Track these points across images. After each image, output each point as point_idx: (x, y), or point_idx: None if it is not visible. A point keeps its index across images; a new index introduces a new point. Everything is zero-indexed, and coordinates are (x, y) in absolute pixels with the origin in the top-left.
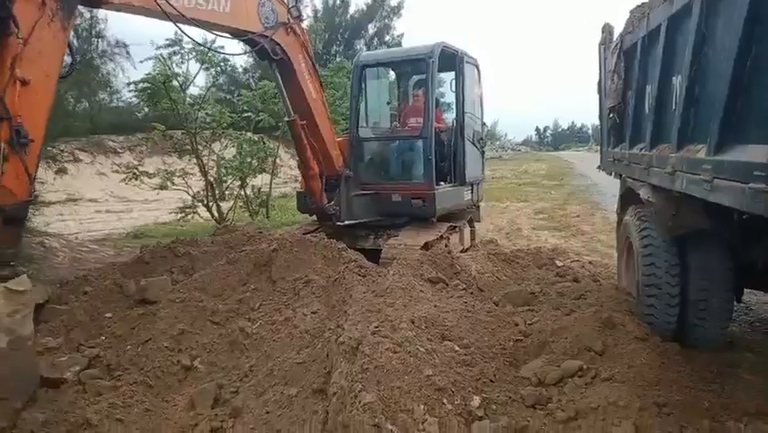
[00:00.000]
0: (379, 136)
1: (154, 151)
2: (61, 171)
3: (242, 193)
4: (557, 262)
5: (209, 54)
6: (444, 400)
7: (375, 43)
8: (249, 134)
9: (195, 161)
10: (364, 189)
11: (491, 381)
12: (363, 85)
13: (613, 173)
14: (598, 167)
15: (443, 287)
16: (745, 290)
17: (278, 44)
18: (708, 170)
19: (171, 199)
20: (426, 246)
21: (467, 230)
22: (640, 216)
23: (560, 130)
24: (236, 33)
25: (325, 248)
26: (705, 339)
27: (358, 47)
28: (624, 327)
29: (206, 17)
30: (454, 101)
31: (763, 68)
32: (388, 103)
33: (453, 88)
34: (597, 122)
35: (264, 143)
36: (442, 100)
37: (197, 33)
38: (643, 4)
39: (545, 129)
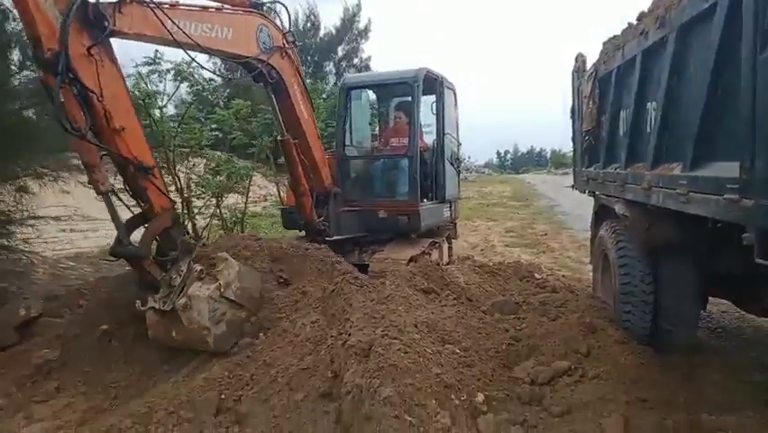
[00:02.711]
0: (366, 155)
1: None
2: (22, 190)
3: (218, 211)
4: (536, 274)
5: (189, 72)
6: (452, 396)
7: (344, 66)
8: (218, 153)
9: (170, 178)
10: (351, 206)
11: (490, 380)
12: (349, 105)
13: (586, 191)
14: (572, 186)
15: (435, 297)
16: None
17: (274, 68)
18: (684, 185)
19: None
20: (412, 260)
21: (445, 246)
22: (615, 230)
23: (519, 154)
24: (236, 58)
25: (321, 261)
26: (676, 343)
27: (327, 68)
28: (605, 332)
29: (211, 44)
30: (434, 123)
31: (732, 96)
32: (370, 123)
33: (433, 111)
34: (554, 146)
35: (234, 163)
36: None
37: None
38: (615, 36)
39: (506, 153)
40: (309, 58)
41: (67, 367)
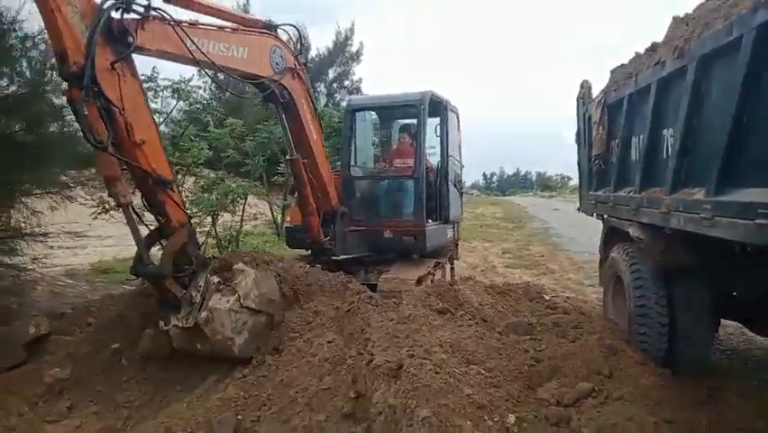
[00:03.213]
0: (372, 175)
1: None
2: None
3: (214, 229)
4: (545, 296)
5: (187, 91)
6: (485, 417)
7: (335, 87)
8: (211, 172)
9: None
10: (357, 226)
11: (517, 401)
12: (354, 127)
13: (594, 214)
14: (578, 209)
15: (450, 317)
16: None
17: (286, 88)
18: (708, 210)
19: (127, 236)
20: (419, 281)
21: (448, 267)
22: (628, 253)
23: (505, 176)
24: (250, 77)
25: (329, 282)
26: (691, 364)
27: (318, 90)
28: (625, 353)
29: (227, 63)
30: (438, 145)
31: (760, 123)
32: (374, 145)
33: (437, 133)
34: (541, 169)
35: (228, 183)
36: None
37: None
38: (622, 65)
39: (492, 175)
40: None
41: (78, 386)
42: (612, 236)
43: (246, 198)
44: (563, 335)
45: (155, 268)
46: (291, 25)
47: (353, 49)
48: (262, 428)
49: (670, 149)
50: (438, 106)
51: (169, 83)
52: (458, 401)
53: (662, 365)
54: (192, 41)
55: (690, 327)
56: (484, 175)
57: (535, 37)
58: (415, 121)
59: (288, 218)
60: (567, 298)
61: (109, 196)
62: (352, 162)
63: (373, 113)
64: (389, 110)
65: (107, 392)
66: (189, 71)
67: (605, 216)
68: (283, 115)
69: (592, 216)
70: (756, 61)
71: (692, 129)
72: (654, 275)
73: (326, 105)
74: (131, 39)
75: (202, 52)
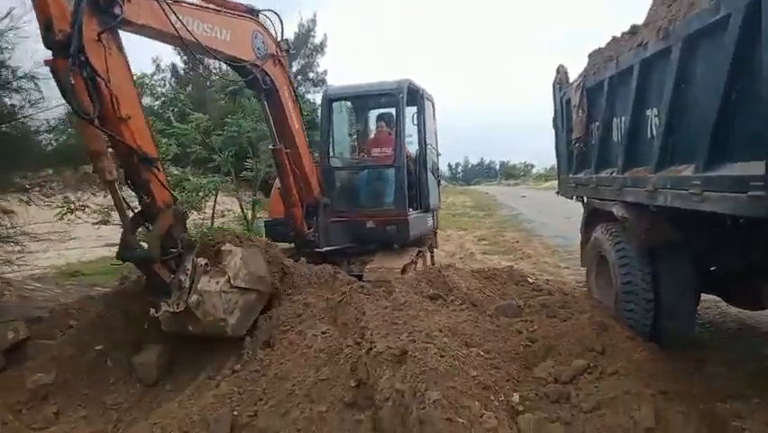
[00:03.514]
0: (352, 165)
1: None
2: None
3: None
4: (528, 279)
5: (151, 85)
6: (492, 397)
7: (299, 80)
8: (174, 169)
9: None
10: (339, 217)
11: (517, 381)
12: (331, 117)
13: (574, 197)
14: (557, 192)
15: (442, 303)
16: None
17: (267, 74)
18: (698, 185)
19: (90, 237)
20: (404, 269)
21: (428, 255)
22: (612, 232)
23: (470, 166)
24: (233, 61)
25: (316, 274)
26: (676, 338)
27: None
28: (614, 329)
29: (211, 44)
30: (415, 134)
31: (748, 100)
32: (350, 135)
33: (414, 122)
34: (504, 158)
35: (191, 180)
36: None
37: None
38: (600, 48)
39: (457, 165)
40: None
41: (64, 390)
42: (594, 217)
43: (217, 194)
44: (554, 315)
45: (143, 252)
46: (272, 11)
47: (317, 41)
48: (261, 423)
49: (654, 128)
50: (415, 95)
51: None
52: (464, 383)
53: (648, 340)
54: (178, 17)
55: (675, 301)
56: (449, 165)
57: (499, 26)
58: (391, 110)
59: (268, 212)
60: (547, 280)
61: (94, 172)
62: (331, 153)
63: (349, 102)
64: (367, 99)
65: (94, 395)
66: (149, 67)
67: (585, 199)
68: (265, 103)
69: (572, 198)
70: (744, 39)
71: (678, 108)
72: (639, 253)
73: None
74: (118, 10)
75: (188, 30)
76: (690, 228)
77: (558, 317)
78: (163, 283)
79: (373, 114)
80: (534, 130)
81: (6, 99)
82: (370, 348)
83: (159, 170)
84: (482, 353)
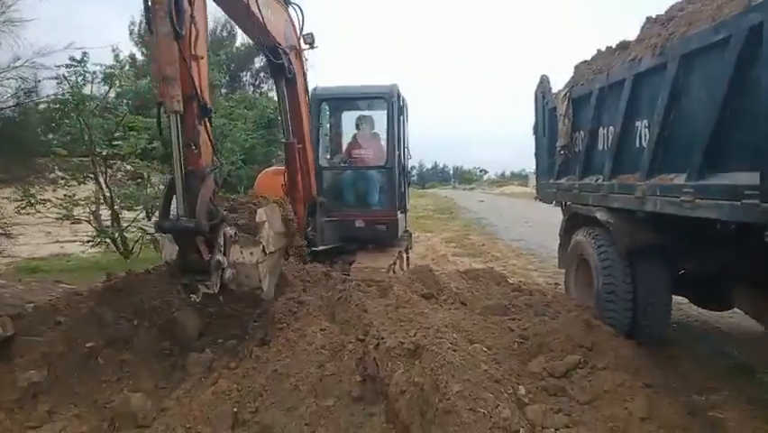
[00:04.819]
0: (343, 166)
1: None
2: None
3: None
4: (509, 280)
5: (120, 75)
6: (502, 390)
7: (262, 77)
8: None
9: (97, 188)
10: (330, 216)
11: (518, 375)
12: (321, 117)
13: (554, 202)
14: (536, 197)
15: (435, 301)
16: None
17: (291, 63)
18: (690, 193)
19: (40, 234)
20: (388, 269)
21: (404, 256)
22: (594, 236)
23: (425, 170)
24: (267, 43)
25: (309, 272)
26: (652, 336)
27: (244, 79)
28: (600, 327)
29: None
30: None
31: (744, 115)
32: (326, 135)
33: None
34: (457, 163)
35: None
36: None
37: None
38: (586, 60)
39: (412, 168)
40: (225, 67)
41: (55, 388)
42: (574, 222)
43: None
44: (543, 313)
45: (191, 223)
46: (296, 5)
47: None
48: (266, 418)
49: (644, 139)
50: (399, 99)
51: (100, 68)
52: (478, 376)
53: (627, 338)
54: None
55: (652, 302)
56: None
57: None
58: (379, 112)
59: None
60: (520, 282)
61: (161, 97)
62: (321, 153)
63: (337, 103)
64: (358, 101)
65: (87, 393)
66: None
67: (566, 204)
68: (285, 93)
69: (552, 203)
70: (744, 59)
71: (671, 120)
72: (620, 256)
73: (253, 94)
74: None
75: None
76: (670, 234)
77: (547, 316)
78: (200, 261)
79: (361, 115)
80: (483, 141)
81: None
82: (378, 344)
83: (210, 125)
84: (485, 348)
